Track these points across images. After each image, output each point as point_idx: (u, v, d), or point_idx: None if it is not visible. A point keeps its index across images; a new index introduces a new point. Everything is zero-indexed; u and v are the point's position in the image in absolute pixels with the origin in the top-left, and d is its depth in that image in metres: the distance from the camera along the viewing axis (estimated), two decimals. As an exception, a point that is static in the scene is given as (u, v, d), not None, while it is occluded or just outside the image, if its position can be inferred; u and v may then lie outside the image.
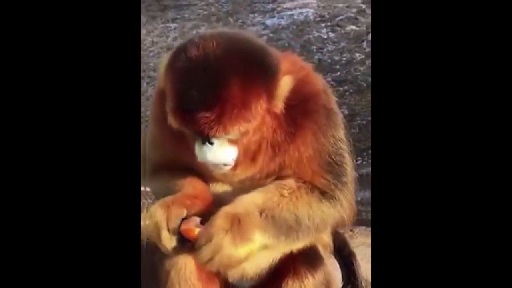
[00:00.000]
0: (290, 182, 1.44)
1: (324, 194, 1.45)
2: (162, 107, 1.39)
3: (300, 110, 1.40)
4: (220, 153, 1.35)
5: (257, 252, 1.41)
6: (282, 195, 1.42)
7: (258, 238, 1.39)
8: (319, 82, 1.47)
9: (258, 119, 1.34)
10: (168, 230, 1.38)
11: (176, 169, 1.51)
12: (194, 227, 1.38)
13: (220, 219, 1.36)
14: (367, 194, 1.93)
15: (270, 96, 1.34)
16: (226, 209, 1.38)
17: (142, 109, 3.39)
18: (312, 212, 1.44)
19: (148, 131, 1.61)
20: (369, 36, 3.84)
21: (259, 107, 1.33)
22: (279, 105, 1.37)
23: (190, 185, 1.47)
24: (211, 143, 1.34)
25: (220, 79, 1.29)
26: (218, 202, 1.45)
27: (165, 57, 1.41)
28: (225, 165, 1.38)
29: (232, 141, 1.36)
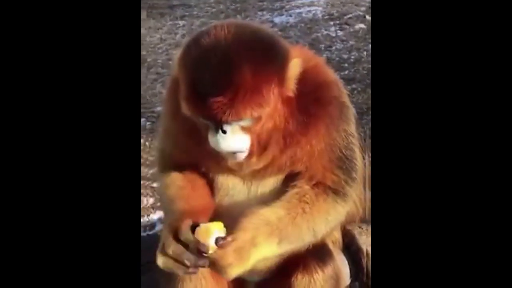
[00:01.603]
0: (309, 192, 1.45)
1: (337, 193, 1.46)
2: (176, 99, 1.39)
3: (313, 98, 1.40)
4: (234, 140, 1.35)
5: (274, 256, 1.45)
6: (304, 211, 1.44)
7: (274, 249, 1.43)
8: (331, 73, 1.48)
9: (270, 104, 1.34)
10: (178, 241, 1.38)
11: (185, 167, 1.52)
12: (209, 245, 1.36)
13: (226, 256, 1.37)
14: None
15: (281, 79, 1.35)
16: (244, 236, 1.39)
17: (150, 105, 3.40)
18: (330, 218, 1.46)
19: (160, 123, 1.62)
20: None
21: (271, 92, 1.33)
22: (290, 88, 1.37)
23: (189, 199, 1.48)
24: (224, 131, 1.34)
25: (231, 63, 1.30)
26: (232, 201, 1.47)
27: (180, 49, 1.41)
28: (240, 152, 1.38)
29: (245, 129, 1.35)
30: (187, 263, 1.36)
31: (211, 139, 1.36)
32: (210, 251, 1.34)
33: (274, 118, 1.38)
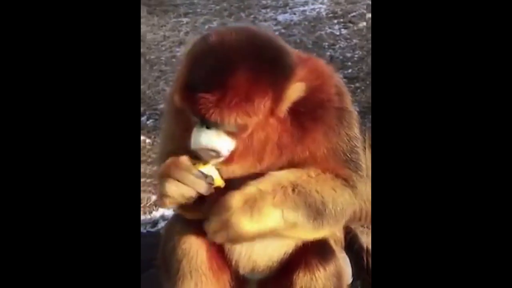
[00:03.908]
0: (316, 169, 1.44)
1: (347, 181, 1.45)
2: None
3: (309, 117, 1.40)
4: (215, 139, 1.35)
5: (286, 230, 1.41)
6: (309, 175, 1.42)
7: (286, 215, 1.38)
8: (333, 87, 1.45)
9: (259, 116, 1.33)
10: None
11: None
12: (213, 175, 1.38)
13: (233, 198, 1.37)
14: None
15: (277, 97, 1.34)
16: (246, 188, 1.38)
17: (153, 103, 3.41)
18: (336, 196, 1.43)
19: (163, 121, 1.62)
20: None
21: (262, 105, 1.32)
22: (283, 110, 1.37)
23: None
24: (208, 127, 1.34)
25: (227, 66, 1.30)
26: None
27: (187, 45, 1.42)
28: (217, 153, 1.37)
29: (230, 133, 1.36)
30: (200, 182, 1.38)
31: (193, 135, 1.36)
32: (217, 184, 1.37)
33: (267, 130, 1.38)
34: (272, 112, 1.35)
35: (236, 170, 1.43)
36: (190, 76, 1.32)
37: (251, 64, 1.31)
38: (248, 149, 1.38)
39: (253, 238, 1.40)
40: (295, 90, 1.36)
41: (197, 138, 1.35)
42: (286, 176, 1.40)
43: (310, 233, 1.46)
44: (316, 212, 1.41)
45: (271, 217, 1.38)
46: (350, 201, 1.45)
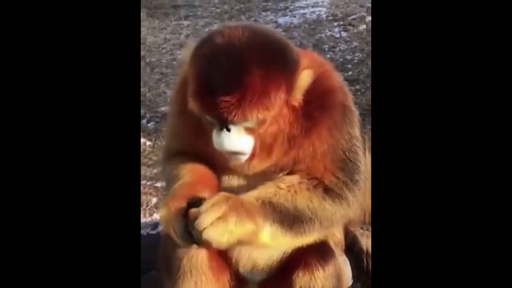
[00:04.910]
0: (291, 178, 1.45)
1: (329, 192, 1.45)
2: (184, 98, 1.40)
3: (317, 105, 1.41)
4: (237, 140, 1.36)
5: (267, 241, 1.41)
6: (278, 187, 1.44)
7: (261, 222, 1.39)
8: (337, 79, 1.48)
9: (276, 109, 1.35)
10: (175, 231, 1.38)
11: (188, 156, 1.52)
12: None
13: (221, 195, 1.37)
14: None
15: (290, 87, 1.36)
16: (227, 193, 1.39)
17: (154, 105, 3.42)
18: (313, 205, 1.44)
19: (167, 122, 1.63)
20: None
21: (278, 97, 1.34)
22: (297, 98, 1.38)
23: (191, 172, 1.48)
24: (228, 130, 1.35)
25: (242, 65, 1.31)
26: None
27: (190, 46, 1.42)
28: (242, 154, 1.39)
29: (249, 130, 1.37)
30: (180, 244, 1.38)
31: (215, 138, 1.37)
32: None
33: (279, 122, 1.39)
34: (286, 102, 1.37)
35: (256, 166, 1.44)
36: (206, 80, 1.33)
37: (262, 59, 1.33)
38: (263, 143, 1.40)
39: (244, 236, 1.38)
40: (305, 77, 1.38)
41: (219, 142, 1.36)
42: (249, 193, 1.42)
43: (296, 240, 1.47)
44: (293, 219, 1.42)
45: (256, 220, 1.38)
46: (333, 209, 1.46)
